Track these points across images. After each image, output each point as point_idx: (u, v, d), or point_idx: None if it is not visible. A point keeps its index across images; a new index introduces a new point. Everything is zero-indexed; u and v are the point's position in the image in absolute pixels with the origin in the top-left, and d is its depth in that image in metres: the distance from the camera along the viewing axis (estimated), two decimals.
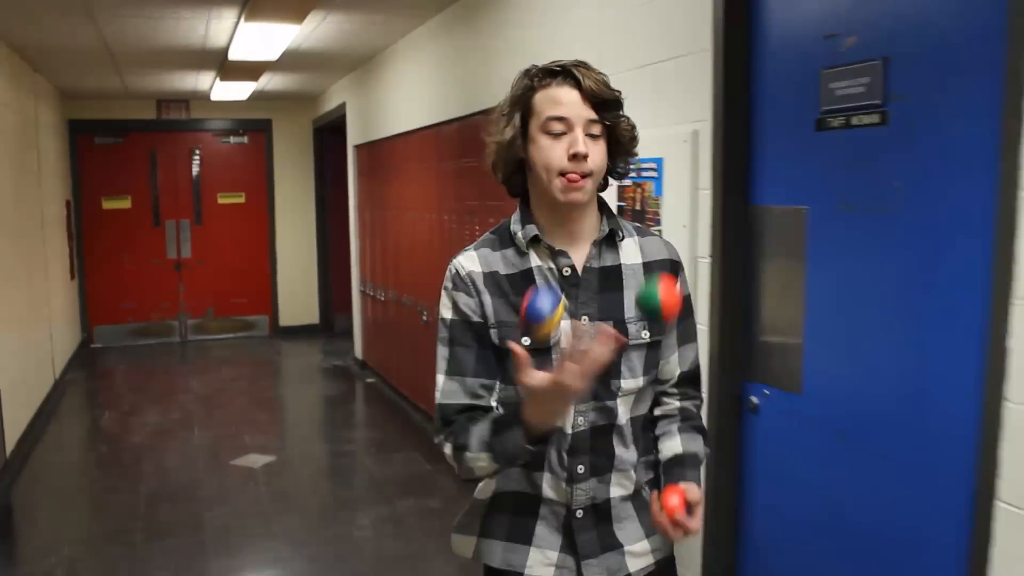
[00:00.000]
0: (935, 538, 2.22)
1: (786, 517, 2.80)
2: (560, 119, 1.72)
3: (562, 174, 1.72)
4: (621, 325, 1.78)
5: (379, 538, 4.66)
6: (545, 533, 1.84)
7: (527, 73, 1.78)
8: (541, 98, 1.74)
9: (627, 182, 3.33)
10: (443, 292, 1.83)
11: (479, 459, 1.71)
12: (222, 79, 8.32)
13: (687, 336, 1.93)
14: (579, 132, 1.72)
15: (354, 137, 8.68)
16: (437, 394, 1.81)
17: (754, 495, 2.95)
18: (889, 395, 2.35)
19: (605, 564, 1.84)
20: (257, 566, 4.31)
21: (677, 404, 1.94)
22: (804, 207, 2.64)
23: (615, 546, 1.85)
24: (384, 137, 7.46)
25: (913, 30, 2.24)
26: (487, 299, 1.78)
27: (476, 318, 1.78)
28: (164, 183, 10.54)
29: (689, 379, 1.95)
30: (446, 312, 1.81)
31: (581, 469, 1.81)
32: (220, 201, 10.74)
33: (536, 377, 1.54)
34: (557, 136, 1.73)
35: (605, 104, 1.74)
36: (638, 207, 3.29)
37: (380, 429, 6.86)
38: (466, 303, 1.78)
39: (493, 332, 1.77)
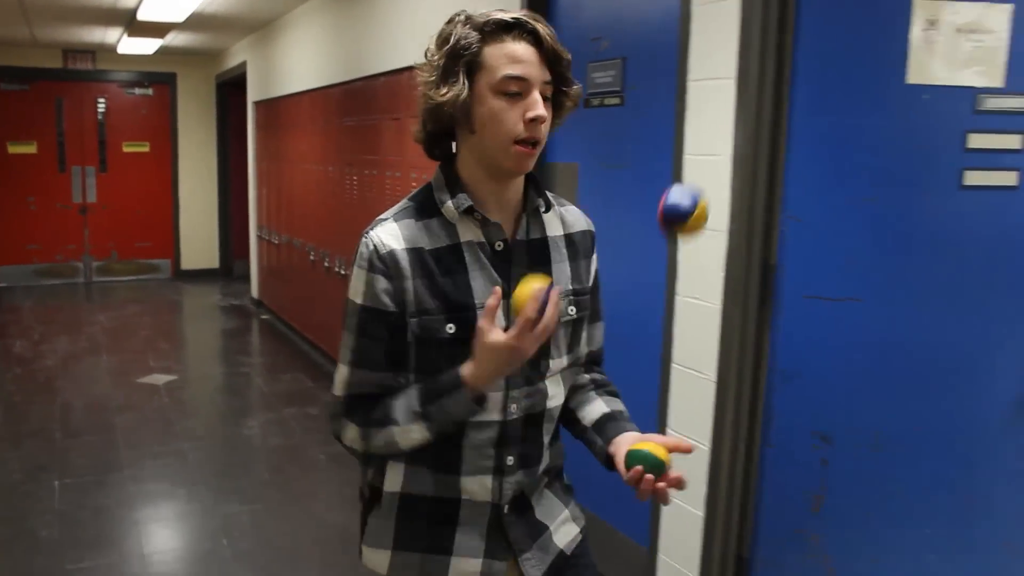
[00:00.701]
0: (640, 397, 3.24)
1: None
2: (518, 79, 1.50)
3: (517, 141, 1.51)
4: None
5: (265, 435, 5.56)
6: (466, 540, 1.64)
7: (471, 22, 1.53)
8: (494, 53, 1.50)
9: None
10: (355, 269, 1.58)
11: (410, 431, 1.54)
12: (129, 35, 8.92)
13: (596, 314, 1.82)
14: (537, 94, 1.52)
15: (254, 94, 9.39)
16: (339, 384, 1.60)
17: None
18: (623, 296, 3.37)
19: (540, 552, 1.71)
20: (161, 455, 5.14)
21: (587, 376, 1.83)
22: (577, 163, 3.63)
23: (542, 529, 1.72)
24: (280, 96, 8.23)
25: (639, 41, 3.23)
26: (409, 284, 1.54)
27: (392, 307, 1.54)
28: (70, 130, 11.04)
29: (596, 359, 1.86)
30: (356, 295, 1.57)
31: (511, 461, 1.64)
32: (125, 150, 11.29)
33: (496, 333, 1.44)
34: (512, 97, 1.51)
35: (561, 65, 1.56)
36: None
37: (271, 356, 7.72)
38: (383, 288, 1.54)
39: (413, 322, 1.55)
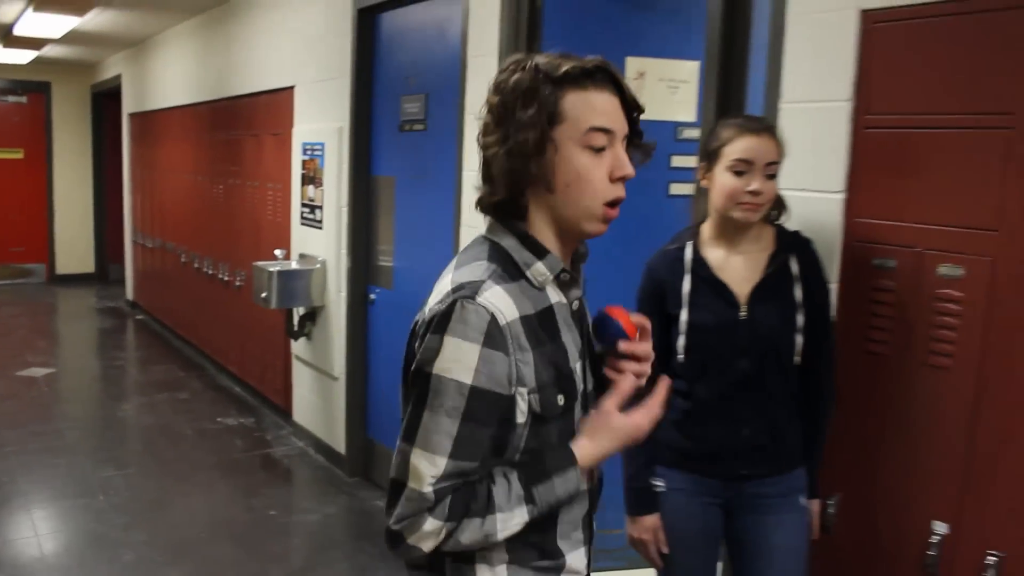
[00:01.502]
0: None
1: (390, 362, 4.65)
2: (605, 131, 1.39)
3: (607, 203, 1.41)
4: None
5: (138, 416, 6.21)
6: None
7: (541, 68, 1.38)
8: (576, 103, 1.38)
9: (306, 156, 5.06)
10: (458, 343, 1.34)
11: (512, 518, 1.37)
12: (4, 47, 9.34)
13: None
14: (622, 149, 1.42)
15: (129, 106, 9.93)
16: (425, 476, 1.34)
17: (376, 356, 4.78)
18: (430, 284, 4.22)
19: None
20: (42, 434, 5.72)
21: None
22: (394, 176, 4.47)
23: None
24: (154, 109, 8.82)
25: (437, 80, 4.09)
26: (530, 357, 1.37)
27: (508, 391, 1.36)
28: None
29: None
30: (464, 374, 1.33)
31: (593, 528, 1.56)
32: None
33: (625, 414, 1.42)
34: (598, 152, 1.39)
35: (637, 115, 1.46)
36: (312, 175, 5.04)
37: (145, 350, 8.32)
38: (502, 365, 1.34)
39: (533, 398, 1.38)
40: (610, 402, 1.44)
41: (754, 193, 2.11)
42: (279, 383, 5.86)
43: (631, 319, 1.47)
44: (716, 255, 2.22)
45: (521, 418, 1.38)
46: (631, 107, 1.44)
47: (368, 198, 4.68)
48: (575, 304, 1.48)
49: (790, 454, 2.23)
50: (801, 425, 2.24)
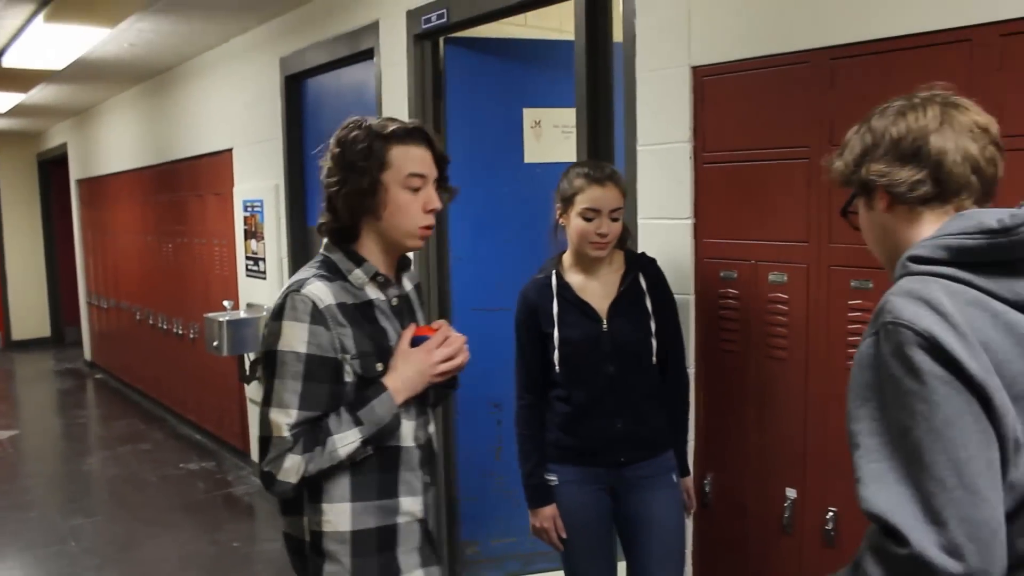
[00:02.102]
0: None
1: None
2: (420, 176, 1.87)
3: (421, 227, 1.90)
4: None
5: (103, 468, 6.51)
6: (407, 559, 1.92)
7: (372, 128, 1.86)
8: (399, 154, 1.85)
9: (247, 212, 5.45)
10: (291, 323, 1.77)
11: (346, 437, 1.78)
12: None
13: None
14: (432, 188, 1.91)
15: (76, 172, 10.24)
16: (281, 426, 1.77)
17: None
18: None
19: (441, 566, 2.05)
20: (9, 493, 5.97)
21: None
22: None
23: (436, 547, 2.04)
24: (101, 174, 9.15)
25: None
26: (347, 331, 1.81)
27: (332, 353, 1.79)
28: None
29: None
30: (298, 345, 1.76)
31: (428, 480, 1.98)
32: None
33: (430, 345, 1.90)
34: (415, 191, 1.87)
35: (446, 165, 1.97)
36: (253, 229, 5.43)
37: (106, 407, 8.59)
38: (325, 337, 1.78)
39: (355, 363, 1.82)
40: (402, 342, 1.90)
41: (601, 235, 2.53)
42: (236, 426, 6.20)
43: (431, 330, 1.98)
44: (577, 279, 2.63)
45: (348, 377, 1.83)
46: (440, 159, 1.95)
47: (306, 247, 5.07)
48: (394, 300, 1.95)
49: (658, 439, 2.64)
50: (664, 414, 2.66)
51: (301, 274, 1.89)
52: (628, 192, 2.74)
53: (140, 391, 8.49)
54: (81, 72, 6.81)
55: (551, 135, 4.06)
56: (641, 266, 2.63)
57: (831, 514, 2.48)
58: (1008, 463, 1.23)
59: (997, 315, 1.26)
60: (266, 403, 1.82)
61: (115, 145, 8.58)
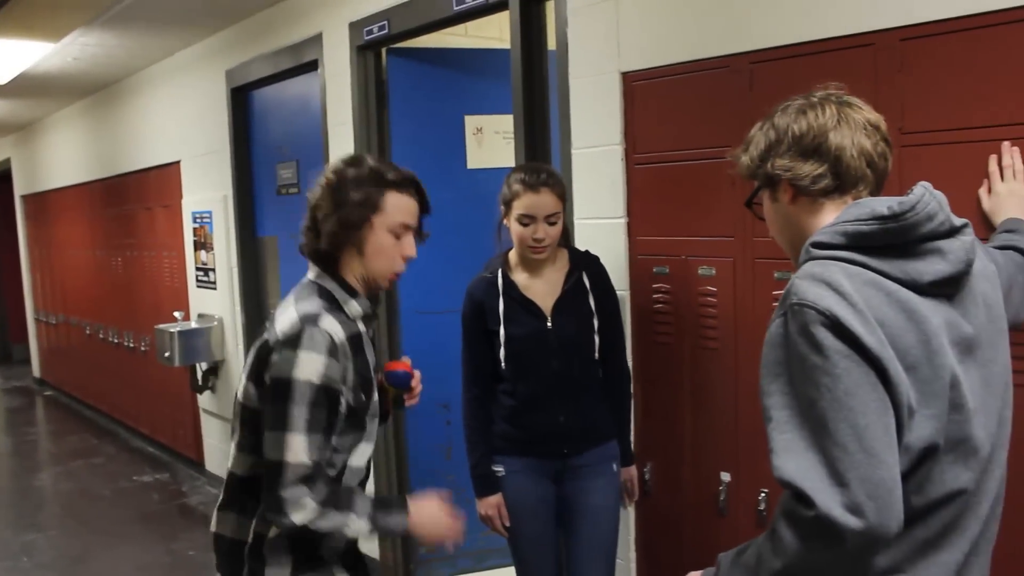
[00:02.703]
0: None
1: None
2: (406, 225, 1.98)
3: (394, 272, 2.02)
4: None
5: (55, 483, 6.48)
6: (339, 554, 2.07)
7: (376, 169, 1.95)
8: (394, 201, 1.95)
9: (196, 223, 5.49)
10: (310, 354, 1.84)
11: (358, 523, 1.89)
12: None
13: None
14: (411, 238, 2.02)
15: (20, 188, 10.15)
16: (299, 450, 1.83)
17: None
18: None
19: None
20: None
21: None
22: (276, 235, 4.93)
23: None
24: (47, 189, 9.09)
25: (305, 148, 4.59)
26: (351, 365, 1.91)
27: (338, 385, 1.87)
28: None
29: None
30: (312, 376, 1.83)
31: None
32: None
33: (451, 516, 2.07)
34: (398, 238, 1.98)
35: (425, 216, 2.08)
36: (203, 240, 5.47)
37: (56, 423, 8.53)
38: (336, 370, 1.86)
39: (350, 395, 1.92)
40: (440, 506, 2.10)
41: (537, 240, 2.63)
42: (190, 437, 6.21)
43: (406, 364, 2.23)
44: (522, 278, 2.74)
45: (342, 407, 1.92)
46: (424, 209, 2.05)
47: (255, 257, 5.13)
48: (370, 333, 2.10)
49: (600, 430, 2.75)
50: (605, 406, 2.77)
51: (308, 305, 1.93)
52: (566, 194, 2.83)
53: (91, 406, 8.45)
54: (24, 86, 6.80)
55: (493, 141, 4.17)
56: (585, 265, 2.73)
57: (763, 495, 2.61)
58: (903, 428, 1.35)
59: (890, 294, 1.39)
60: (279, 428, 1.85)
61: (61, 159, 8.54)
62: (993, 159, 2.03)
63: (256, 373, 1.94)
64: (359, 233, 1.94)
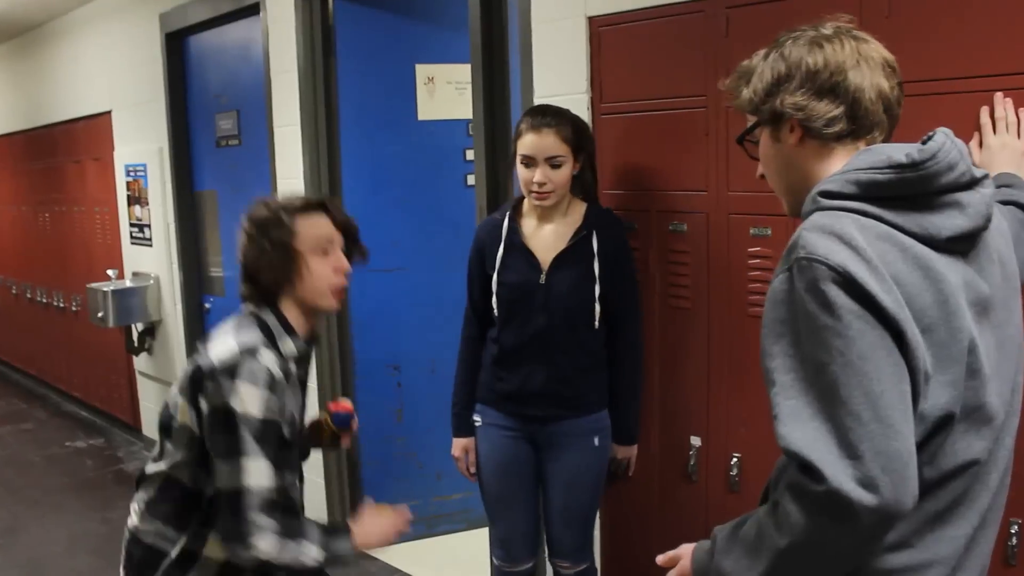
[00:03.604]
0: None
1: None
2: (328, 240, 2.03)
3: (333, 288, 2.03)
4: None
5: None
6: None
7: (282, 204, 2.04)
8: (306, 224, 2.01)
9: (130, 177, 5.22)
10: (249, 386, 1.87)
11: (310, 551, 1.93)
12: None
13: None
14: (340, 252, 2.07)
15: None
16: (257, 473, 1.86)
17: None
18: None
19: None
20: None
21: None
22: (216, 190, 4.70)
23: None
24: None
25: (246, 97, 4.35)
26: (289, 401, 1.98)
27: (278, 419, 1.92)
28: None
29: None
30: (255, 410, 1.86)
31: None
32: None
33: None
34: (326, 254, 2.02)
35: (353, 231, 2.16)
36: (137, 195, 5.20)
37: None
38: (275, 405, 1.90)
39: (287, 430, 1.97)
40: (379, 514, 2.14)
41: (539, 184, 2.47)
42: (125, 400, 5.98)
43: (348, 407, 2.26)
44: (530, 225, 2.59)
45: (287, 435, 1.98)
46: (343, 227, 2.10)
47: (193, 213, 4.89)
48: (299, 374, 2.09)
49: (582, 401, 2.59)
50: (600, 379, 2.60)
51: (247, 336, 1.95)
52: None
53: (19, 369, 8.10)
54: None
55: (445, 92, 4.00)
56: (598, 225, 2.54)
57: (735, 460, 2.52)
58: (919, 395, 1.24)
59: (906, 249, 1.27)
60: (235, 454, 1.87)
61: None
62: (985, 111, 1.92)
63: (192, 397, 1.96)
64: (291, 265, 1.99)
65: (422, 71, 3.94)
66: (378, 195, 3.94)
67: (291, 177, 3.98)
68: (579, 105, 2.73)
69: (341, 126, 3.87)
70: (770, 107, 1.40)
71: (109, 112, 5.54)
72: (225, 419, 1.87)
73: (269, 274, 1.99)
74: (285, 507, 1.92)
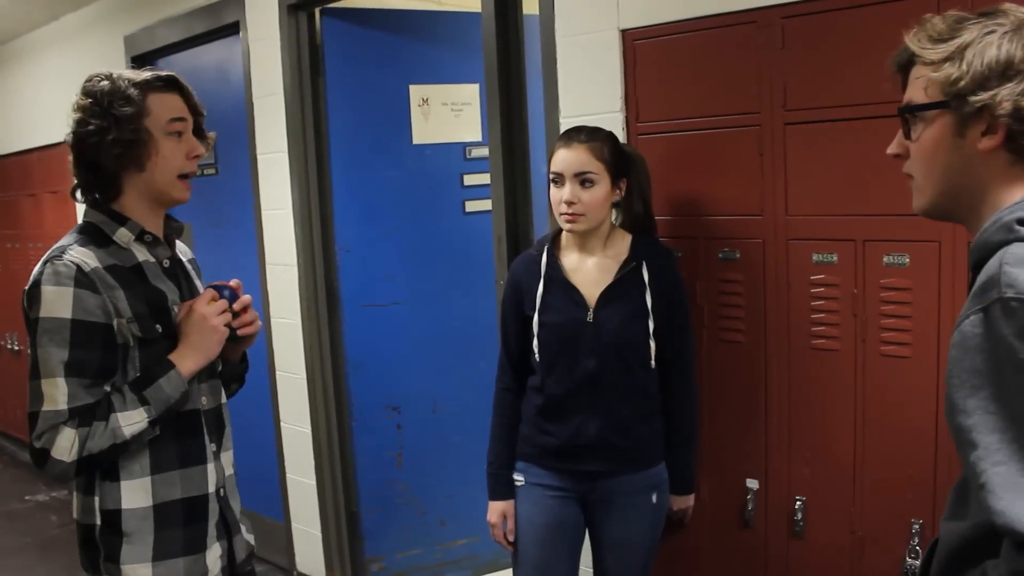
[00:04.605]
0: (259, 400, 4.04)
1: None
2: (181, 120, 1.81)
3: (180, 176, 1.84)
4: None
5: None
6: (212, 528, 1.88)
7: (125, 78, 1.79)
8: (158, 102, 1.78)
9: None
10: (53, 288, 1.68)
11: (131, 417, 1.70)
12: None
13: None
14: (192, 137, 1.85)
15: None
16: (53, 398, 1.68)
17: None
18: None
19: (242, 537, 2.00)
20: None
21: None
22: (190, 223, 4.37)
23: (237, 518, 1.99)
24: None
25: (224, 122, 4.06)
26: (120, 293, 1.73)
27: (103, 319, 1.71)
28: None
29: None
30: (63, 311, 1.68)
31: (215, 448, 1.91)
32: None
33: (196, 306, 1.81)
34: (179, 137, 1.81)
35: (201, 115, 1.91)
36: None
37: None
38: (93, 302, 1.70)
39: (133, 326, 1.74)
40: (195, 309, 1.83)
41: (568, 203, 2.23)
42: None
43: (233, 283, 1.95)
44: (571, 260, 2.35)
45: (121, 340, 1.75)
46: (195, 111, 1.88)
47: None
48: (165, 262, 1.88)
49: (641, 453, 2.35)
50: (656, 425, 2.36)
51: (60, 242, 1.79)
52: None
53: None
54: None
55: (440, 114, 3.77)
56: (648, 255, 2.31)
57: (799, 503, 2.33)
58: None
59: None
60: (33, 375, 1.72)
61: None
62: None
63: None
64: (138, 148, 1.78)
65: (416, 92, 3.71)
66: (371, 225, 3.70)
67: (277, 207, 3.71)
68: (613, 125, 2.52)
69: (331, 152, 3.61)
70: (979, 98, 1.15)
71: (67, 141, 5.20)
72: (34, 333, 1.72)
73: (111, 159, 1.76)
74: (84, 409, 1.71)
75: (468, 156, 3.81)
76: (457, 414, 3.83)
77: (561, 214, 2.26)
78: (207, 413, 1.90)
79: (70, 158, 1.84)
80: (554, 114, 2.68)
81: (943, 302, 2.06)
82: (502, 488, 2.42)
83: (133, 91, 1.77)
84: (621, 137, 2.51)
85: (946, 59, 1.17)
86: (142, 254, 1.83)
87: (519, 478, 2.41)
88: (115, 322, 1.73)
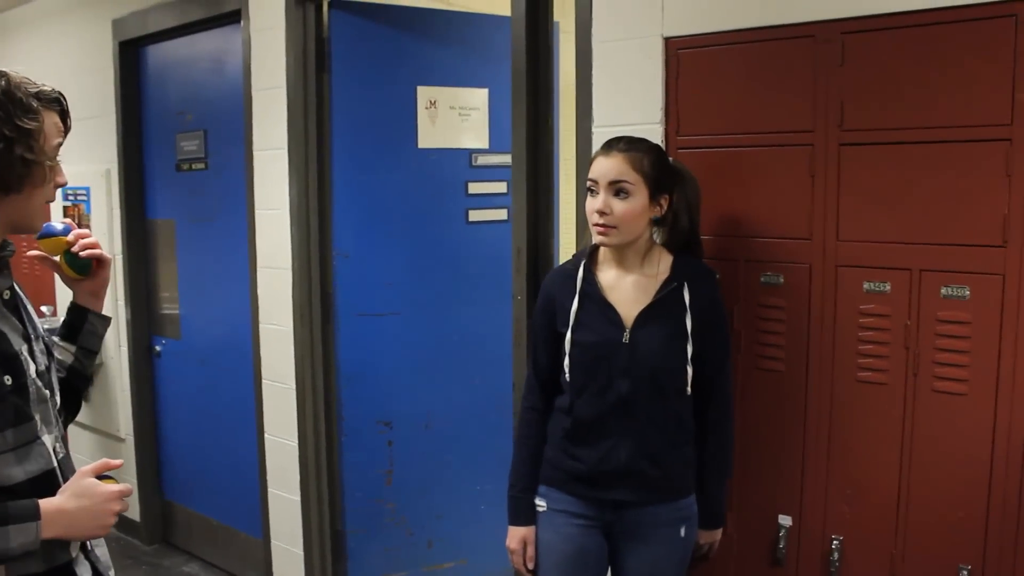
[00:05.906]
0: (242, 410, 3.86)
1: (182, 418, 4.36)
2: (59, 147, 1.58)
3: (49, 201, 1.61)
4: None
5: None
6: None
7: (21, 87, 1.52)
8: (49, 122, 1.55)
9: (68, 202, 4.67)
10: None
11: None
12: None
13: None
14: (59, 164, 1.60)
15: None
16: None
17: (166, 413, 4.47)
18: (222, 331, 4.00)
19: None
20: None
21: None
22: (173, 219, 4.21)
23: (109, 563, 1.74)
24: None
25: (217, 116, 3.89)
26: None
27: None
28: None
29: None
30: None
31: None
32: None
33: (112, 486, 1.55)
34: (51, 165, 1.57)
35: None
36: (77, 222, 4.64)
37: None
38: None
39: None
40: (84, 478, 1.54)
41: (600, 213, 2.10)
42: None
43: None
44: (609, 277, 2.21)
45: None
46: (67, 132, 1.64)
47: (145, 244, 4.37)
48: (6, 294, 1.58)
49: (673, 483, 2.22)
50: (690, 455, 2.24)
51: None
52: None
53: None
54: None
55: (448, 117, 3.62)
56: (690, 276, 2.19)
57: (836, 543, 2.21)
58: None
59: None
60: None
61: None
62: None
63: None
64: (20, 169, 1.50)
65: (424, 94, 3.56)
66: (372, 230, 3.53)
67: (272, 207, 3.54)
68: (651, 137, 2.39)
69: (333, 151, 3.44)
70: None
71: None
72: None
73: (13, 178, 1.50)
74: None
75: (474, 163, 3.67)
76: (451, 432, 3.69)
77: (593, 224, 2.14)
78: (61, 463, 1.61)
79: None
80: (586, 123, 2.55)
81: (1004, 338, 1.95)
82: (524, 513, 2.29)
83: (34, 103, 1.52)
84: None
85: None
86: None
87: (541, 503, 2.28)
88: None
